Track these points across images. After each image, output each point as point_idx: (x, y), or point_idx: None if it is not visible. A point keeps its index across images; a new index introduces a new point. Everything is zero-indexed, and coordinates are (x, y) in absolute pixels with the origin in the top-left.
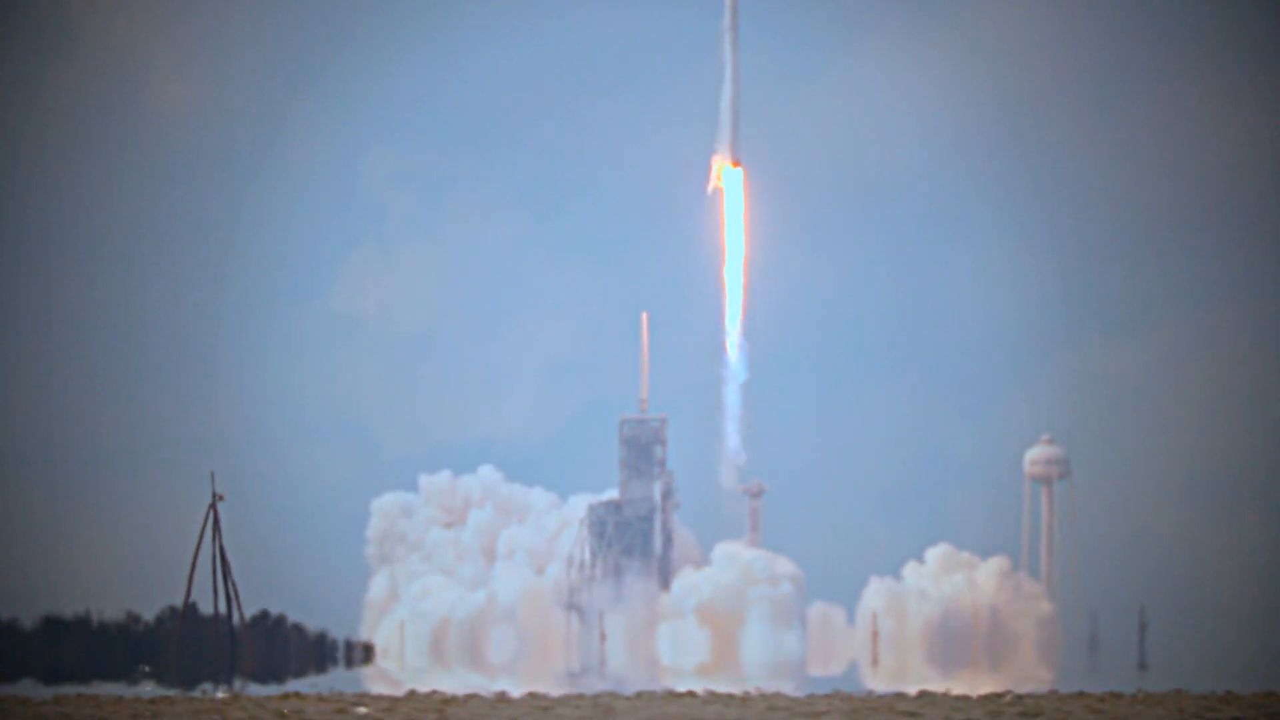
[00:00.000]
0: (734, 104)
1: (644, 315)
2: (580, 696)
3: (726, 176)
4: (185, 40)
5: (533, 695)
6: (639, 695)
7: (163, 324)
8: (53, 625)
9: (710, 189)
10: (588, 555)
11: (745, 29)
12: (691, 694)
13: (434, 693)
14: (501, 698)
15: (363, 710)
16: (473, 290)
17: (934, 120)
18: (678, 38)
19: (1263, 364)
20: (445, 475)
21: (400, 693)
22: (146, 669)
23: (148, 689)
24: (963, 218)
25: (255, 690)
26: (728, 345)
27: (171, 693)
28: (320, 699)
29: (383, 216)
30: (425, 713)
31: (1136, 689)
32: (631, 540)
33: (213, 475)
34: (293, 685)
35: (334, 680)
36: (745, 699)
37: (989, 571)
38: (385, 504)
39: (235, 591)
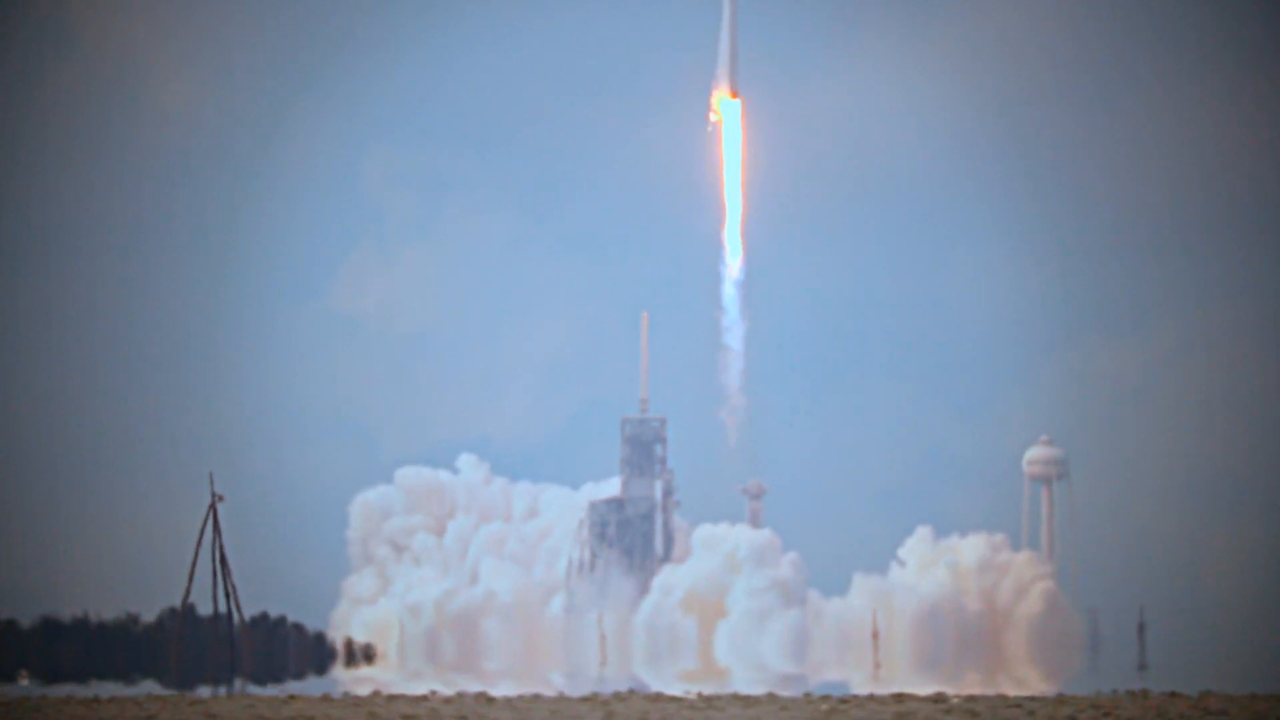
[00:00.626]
0: (732, 37)
1: (644, 315)
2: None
3: (724, 108)
4: (185, 40)
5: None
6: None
7: (162, 324)
8: (51, 625)
9: (710, 122)
10: (588, 555)
11: (743, 18)
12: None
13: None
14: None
15: None
16: (472, 290)
17: (933, 120)
18: (674, 31)
19: (1263, 364)
20: (422, 470)
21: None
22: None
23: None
24: (963, 218)
25: (254, 690)
26: (725, 240)
27: (170, 693)
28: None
29: (382, 216)
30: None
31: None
32: (633, 540)
33: (212, 475)
34: (292, 686)
35: (328, 683)
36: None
37: (973, 554)
38: (367, 500)
39: (234, 592)
